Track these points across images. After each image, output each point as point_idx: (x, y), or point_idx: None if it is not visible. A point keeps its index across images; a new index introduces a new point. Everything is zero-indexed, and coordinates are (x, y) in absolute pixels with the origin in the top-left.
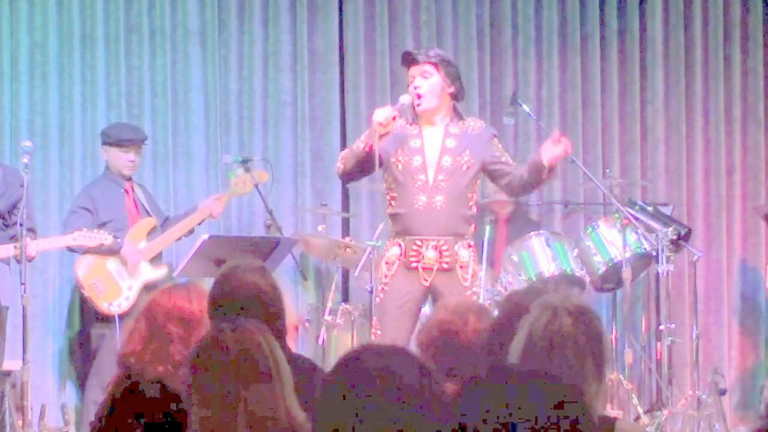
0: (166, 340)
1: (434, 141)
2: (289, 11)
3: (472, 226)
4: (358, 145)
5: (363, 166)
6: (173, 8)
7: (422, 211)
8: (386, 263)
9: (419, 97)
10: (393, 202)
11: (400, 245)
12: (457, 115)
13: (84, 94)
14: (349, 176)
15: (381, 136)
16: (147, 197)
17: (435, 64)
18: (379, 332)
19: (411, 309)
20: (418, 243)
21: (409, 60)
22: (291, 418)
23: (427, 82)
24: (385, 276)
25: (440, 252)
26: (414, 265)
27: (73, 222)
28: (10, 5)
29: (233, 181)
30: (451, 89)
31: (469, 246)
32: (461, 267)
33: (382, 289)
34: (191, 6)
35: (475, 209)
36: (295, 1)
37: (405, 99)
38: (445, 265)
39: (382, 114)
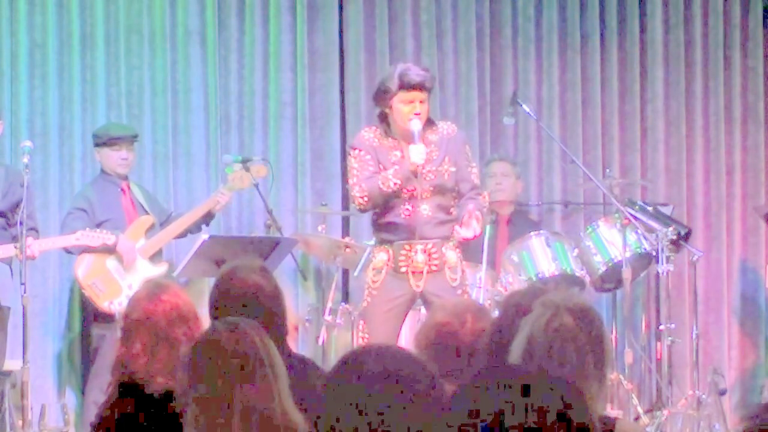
0: (174, 344)
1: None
2: (289, 11)
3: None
4: (388, 185)
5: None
6: (173, 8)
7: (409, 220)
8: (374, 269)
9: (417, 117)
10: (378, 212)
11: (387, 251)
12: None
13: (84, 94)
14: (372, 210)
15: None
16: (146, 196)
17: (429, 90)
18: (366, 336)
19: (397, 313)
20: (407, 248)
21: (415, 86)
22: (287, 418)
23: (424, 107)
24: (373, 281)
25: (429, 254)
26: (404, 269)
27: (70, 223)
28: (10, 5)
29: (231, 176)
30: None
31: (457, 247)
32: (449, 268)
33: (369, 293)
34: (191, 6)
35: (456, 212)
36: (295, 1)
37: (417, 126)
38: (434, 267)
39: (421, 155)
